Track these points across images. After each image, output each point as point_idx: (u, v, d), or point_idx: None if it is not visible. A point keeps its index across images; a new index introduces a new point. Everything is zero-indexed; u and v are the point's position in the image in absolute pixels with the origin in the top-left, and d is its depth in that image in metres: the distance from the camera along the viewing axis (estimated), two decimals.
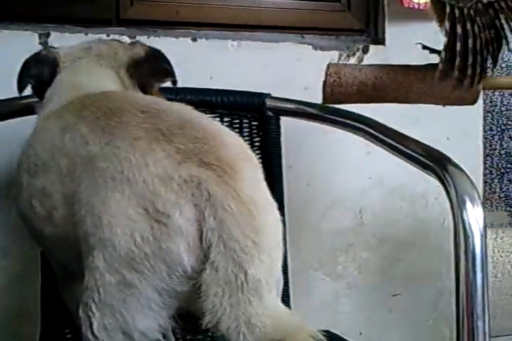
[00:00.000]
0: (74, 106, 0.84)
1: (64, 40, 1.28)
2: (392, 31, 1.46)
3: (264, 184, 0.76)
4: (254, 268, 0.66)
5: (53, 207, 0.77)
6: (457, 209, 0.75)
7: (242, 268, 0.66)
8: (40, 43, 1.27)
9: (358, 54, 1.44)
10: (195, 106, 1.19)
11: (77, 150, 0.76)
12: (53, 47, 1.03)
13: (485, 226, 0.75)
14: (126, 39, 1.31)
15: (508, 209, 1.82)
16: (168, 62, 0.98)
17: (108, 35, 1.30)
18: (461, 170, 0.80)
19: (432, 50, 0.97)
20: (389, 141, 0.92)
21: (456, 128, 1.51)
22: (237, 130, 1.20)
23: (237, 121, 1.21)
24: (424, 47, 0.97)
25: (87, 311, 0.69)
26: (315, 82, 1.35)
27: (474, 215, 0.75)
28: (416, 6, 1.40)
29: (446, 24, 0.87)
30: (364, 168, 1.44)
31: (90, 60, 0.96)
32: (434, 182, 1.46)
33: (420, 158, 0.85)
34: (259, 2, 1.42)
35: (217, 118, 1.20)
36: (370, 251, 1.48)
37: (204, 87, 1.25)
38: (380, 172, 1.45)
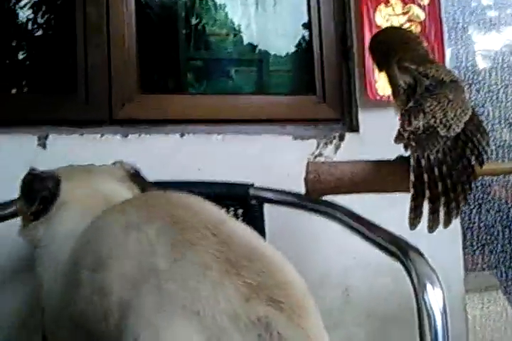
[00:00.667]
0: (139, 202, 0.86)
1: (61, 141, 1.39)
2: (366, 119, 1.57)
3: (319, 318, 0.77)
4: None
5: (108, 308, 0.76)
6: (419, 291, 0.82)
7: None
8: (39, 144, 1.38)
9: (334, 142, 1.55)
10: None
11: (142, 257, 0.76)
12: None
13: (444, 305, 0.82)
14: (118, 138, 1.43)
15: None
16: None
17: (102, 135, 1.41)
18: (422, 256, 0.88)
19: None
20: (360, 229, 1.00)
21: None
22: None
23: (224, 209, 1.28)
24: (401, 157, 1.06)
25: None
26: (296, 169, 1.47)
27: (434, 296, 0.82)
28: (381, 98, 1.53)
29: (412, 176, 0.96)
30: (347, 247, 1.51)
31: (86, 172, 1.03)
32: None
33: (387, 245, 0.93)
34: (240, 99, 1.55)
35: None
36: (359, 327, 1.52)
37: (193, 177, 1.34)
38: (363, 251, 1.52)
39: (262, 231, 1.29)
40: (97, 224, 0.86)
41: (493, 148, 1.85)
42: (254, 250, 0.77)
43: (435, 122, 1.04)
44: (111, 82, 1.46)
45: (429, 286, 0.83)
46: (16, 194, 1.17)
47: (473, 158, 0.99)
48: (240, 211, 1.29)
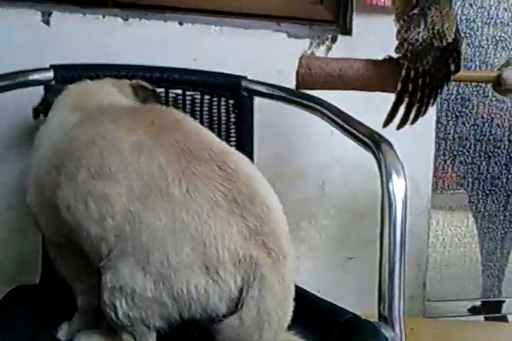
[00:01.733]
0: (145, 123, 0.88)
1: (63, 19, 1.42)
2: (359, 23, 1.62)
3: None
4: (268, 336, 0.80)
5: (110, 215, 0.80)
6: (384, 179, 0.93)
7: (260, 331, 0.80)
8: (43, 21, 1.41)
9: (327, 43, 1.60)
10: (180, 84, 1.36)
11: (154, 179, 0.80)
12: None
13: (405, 194, 0.93)
14: (120, 20, 1.46)
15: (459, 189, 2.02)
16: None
17: (104, 16, 1.45)
18: (392, 149, 0.98)
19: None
20: (340, 121, 1.09)
21: None
22: (215, 106, 1.37)
23: (216, 98, 1.37)
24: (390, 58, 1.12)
25: (113, 300, 0.79)
26: (288, 66, 1.53)
27: (398, 186, 0.93)
28: (378, 3, 1.56)
29: (399, 86, 1.02)
30: (328, 145, 1.61)
31: (90, 82, 1.11)
32: None
33: (362, 137, 1.02)
34: None
35: (199, 96, 1.36)
36: (330, 219, 1.66)
37: (189, 67, 1.40)
38: (342, 150, 1.63)
39: (250, 123, 1.38)
40: (98, 131, 0.88)
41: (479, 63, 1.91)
42: (255, 191, 0.84)
43: (433, 33, 1.09)
44: None
45: (394, 176, 0.93)
46: (17, 67, 1.24)
47: (453, 66, 1.06)
48: (231, 101, 1.37)
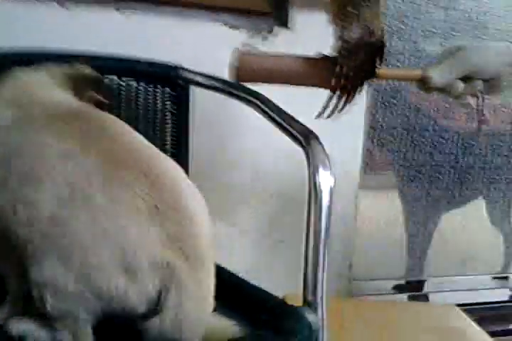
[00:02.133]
0: (73, 128, 0.89)
1: None
2: (296, 15, 1.67)
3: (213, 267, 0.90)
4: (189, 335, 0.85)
5: (37, 220, 0.82)
6: (311, 173, 0.99)
7: (180, 332, 0.84)
8: None
9: (263, 33, 1.64)
10: (120, 72, 1.38)
11: (78, 186, 0.82)
12: None
13: (331, 187, 1.00)
14: (55, 6, 1.46)
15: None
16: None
17: (42, 2, 1.44)
18: (320, 143, 1.04)
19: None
20: (273, 115, 1.14)
21: None
22: (152, 95, 1.39)
23: (152, 87, 1.39)
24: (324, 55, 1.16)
25: (40, 294, 0.81)
26: (223, 56, 1.57)
27: (324, 177, 1.00)
28: None
29: (333, 81, 1.08)
30: (261, 134, 1.67)
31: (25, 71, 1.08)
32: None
33: (292, 132, 1.08)
34: None
35: (134, 84, 1.38)
36: (261, 204, 1.73)
37: (123, 52, 1.41)
38: (274, 140, 1.68)
39: (186, 112, 1.41)
40: (28, 137, 0.89)
41: (408, 56, 2.00)
42: (179, 197, 0.86)
43: (366, 31, 1.14)
44: None
45: (321, 170, 0.99)
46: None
47: (378, 60, 1.12)
48: (167, 89, 1.40)
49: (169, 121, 1.39)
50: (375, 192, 2.13)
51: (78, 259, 0.80)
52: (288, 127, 1.10)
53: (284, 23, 1.66)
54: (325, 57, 1.20)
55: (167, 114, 1.39)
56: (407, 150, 2.08)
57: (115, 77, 1.37)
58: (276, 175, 1.73)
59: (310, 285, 0.97)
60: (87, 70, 1.17)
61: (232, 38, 1.61)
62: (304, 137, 1.06)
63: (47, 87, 1.07)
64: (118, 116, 1.34)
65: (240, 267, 1.61)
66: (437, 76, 1.13)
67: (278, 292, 1.10)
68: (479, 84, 1.13)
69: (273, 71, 1.10)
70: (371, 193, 2.07)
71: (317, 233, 0.98)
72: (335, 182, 1.01)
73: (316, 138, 1.06)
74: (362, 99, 1.82)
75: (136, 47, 1.48)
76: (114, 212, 0.82)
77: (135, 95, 1.38)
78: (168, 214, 0.83)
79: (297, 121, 1.11)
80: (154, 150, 0.95)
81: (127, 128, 0.97)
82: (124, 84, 1.38)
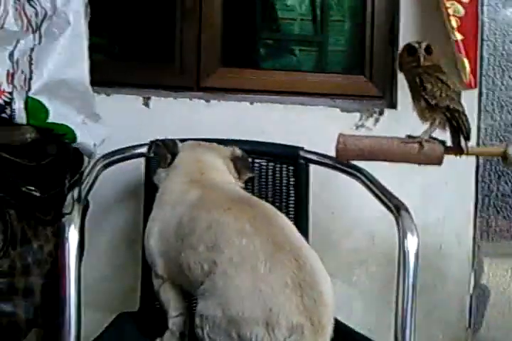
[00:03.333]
0: (247, 214, 1.22)
1: (160, 102, 1.79)
2: (404, 98, 1.89)
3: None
4: None
5: (215, 273, 1.15)
6: (401, 237, 1.20)
7: None
8: (144, 104, 1.78)
9: (375, 115, 1.89)
10: (249, 153, 1.68)
11: (249, 256, 1.14)
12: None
13: (417, 250, 1.19)
14: (203, 102, 1.82)
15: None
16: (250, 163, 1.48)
17: (190, 99, 1.81)
18: (408, 212, 1.25)
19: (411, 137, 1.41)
20: (371, 187, 1.38)
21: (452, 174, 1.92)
22: (278, 173, 1.67)
23: (279, 165, 1.68)
24: (409, 136, 1.40)
25: (200, 324, 1.13)
26: None
27: (412, 242, 1.20)
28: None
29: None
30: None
31: (203, 148, 1.44)
32: (434, 215, 1.91)
33: (386, 201, 1.30)
34: (301, 75, 1.90)
35: (264, 163, 1.68)
36: (379, 266, 1.91)
37: (257, 138, 1.71)
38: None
39: (307, 186, 1.67)
40: (214, 218, 1.22)
41: None
42: (315, 281, 1.15)
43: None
44: (200, 56, 1.84)
45: (409, 235, 1.20)
46: (122, 142, 1.59)
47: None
48: (291, 168, 1.67)
49: (292, 194, 1.66)
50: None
51: (234, 308, 1.10)
52: (384, 199, 1.33)
53: (393, 105, 1.90)
54: (410, 138, 1.41)
55: (291, 187, 1.66)
56: None
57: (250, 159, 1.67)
58: (392, 239, 1.91)
59: (400, 333, 1.15)
60: (238, 151, 1.48)
61: (347, 121, 1.87)
62: (395, 207, 1.27)
63: (219, 170, 1.40)
64: (252, 190, 1.66)
65: (361, 325, 1.81)
66: None
67: None
68: None
69: (368, 151, 1.35)
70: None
71: (405, 294, 1.16)
72: (418, 246, 1.20)
73: (406, 209, 1.27)
74: (471, 169, 1.98)
75: (266, 132, 1.80)
76: (270, 280, 1.13)
77: (265, 172, 1.67)
78: (307, 292, 1.13)
79: (391, 194, 1.33)
80: (302, 240, 1.26)
81: (285, 219, 1.29)
82: (256, 163, 1.68)
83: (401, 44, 1.91)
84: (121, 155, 1.49)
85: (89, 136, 1.46)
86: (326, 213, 1.85)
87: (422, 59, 1.39)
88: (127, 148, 1.53)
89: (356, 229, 1.88)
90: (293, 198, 1.65)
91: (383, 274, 1.91)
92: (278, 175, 1.67)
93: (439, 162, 1.39)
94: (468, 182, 1.96)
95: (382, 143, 1.37)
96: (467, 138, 1.36)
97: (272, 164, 1.68)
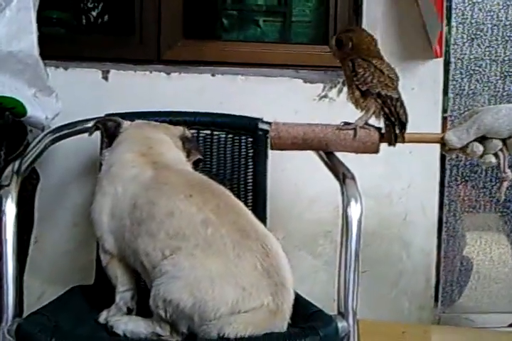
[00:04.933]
0: (210, 203, 1.21)
1: (119, 76, 1.78)
2: None
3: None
4: None
5: (179, 257, 1.14)
6: (345, 205, 1.21)
7: None
8: (103, 77, 1.77)
9: (338, 86, 1.88)
10: (208, 125, 1.67)
11: (216, 243, 1.15)
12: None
13: (360, 218, 1.20)
14: (163, 75, 1.80)
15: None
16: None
17: (151, 72, 1.80)
18: (354, 180, 1.26)
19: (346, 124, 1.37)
20: (323, 156, 1.40)
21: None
22: (237, 144, 1.67)
23: (237, 137, 1.67)
24: (345, 123, 1.37)
25: (164, 306, 1.12)
26: (303, 108, 1.83)
27: (355, 210, 1.21)
28: None
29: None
30: None
31: (151, 126, 1.42)
32: (398, 185, 1.91)
33: (334, 170, 1.32)
34: (264, 46, 1.89)
35: (223, 135, 1.67)
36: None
37: (217, 110, 1.71)
38: None
39: (265, 157, 1.67)
40: (176, 205, 1.21)
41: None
42: (281, 265, 1.18)
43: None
44: (160, 28, 1.82)
45: (352, 202, 1.21)
46: (80, 116, 1.58)
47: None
48: (250, 140, 1.67)
49: (251, 165, 1.66)
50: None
51: (204, 288, 1.10)
52: (330, 165, 1.34)
53: None
54: (345, 124, 1.38)
55: (249, 159, 1.66)
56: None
57: (209, 131, 1.67)
58: None
59: (342, 300, 1.16)
60: (188, 132, 1.47)
61: (310, 92, 1.86)
62: (342, 175, 1.27)
63: (169, 146, 1.38)
64: (211, 162, 1.66)
65: (325, 295, 1.83)
66: (455, 138, 1.29)
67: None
68: (498, 144, 1.27)
69: (302, 139, 1.33)
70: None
71: (348, 257, 1.18)
72: (361, 214, 1.21)
73: (351, 176, 1.27)
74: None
75: (226, 104, 1.79)
76: (240, 264, 1.14)
77: (224, 144, 1.67)
78: (274, 275, 1.15)
79: (339, 161, 1.34)
80: (264, 228, 1.26)
81: (241, 204, 1.29)
82: (215, 135, 1.68)
83: (365, 13, 1.92)
84: (71, 129, 1.48)
85: (40, 110, 1.46)
86: (289, 185, 1.86)
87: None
88: (79, 121, 1.52)
89: (320, 200, 1.89)
90: (251, 170, 1.65)
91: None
92: (237, 147, 1.67)
93: (375, 150, 1.36)
94: (432, 151, 1.96)
95: (316, 130, 1.34)
96: (402, 127, 1.34)
97: (231, 136, 1.68)
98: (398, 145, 1.79)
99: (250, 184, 1.66)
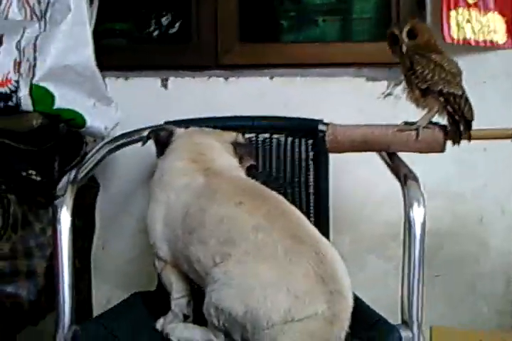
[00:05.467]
0: (261, 210, 1.18)
1: (178, 82, 1.78)
2: None
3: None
4: None
5: (229, 263, 1.13)
6: (407, 208, 1.15)
7: None
8: (162, 85, 1.78)
9: (403, 83, 1.79)
10: (267, 129, 1.64)
11: (267, 248, 1.12)
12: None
13: (424, 220, 1.13)
14: (221, 80, 1.79)
15: None
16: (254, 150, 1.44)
17: (209, 78, 1.79)
18: (416, 181, 1.19)
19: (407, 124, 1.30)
20: (387, 159, 1.35)
21: None
22: (297, 147, 1.63)
23: (297, 140, 1.63)
24: (406, 123, 1.30)
25: (213, 313, 1.11)
26: (368, 107, 1.76)
27: (418, 213, 1.15)
28: (455, 42, 1.73)
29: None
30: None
31: (203, 133, 1.40)
32: (473, 181, 1.80)
33: (397, 171, 1.26)
34: (324, 46, 1.84)
35: (283, 138, 1.64)
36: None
37: (279, 113, 1.67)
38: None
39: (326, 159, 1.61)
40: (226, 212, 1.19)
41: None
42: (337, 272, 1.14)
43: None
44: (217, 33, 1.81)
45: (415, 205, 1.15)
46: (140, 124, 1.58)
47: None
48: (310, 142, 1.62)
49: (311, 168, 1.62)
50: None
51: (255, 297, 1.07)
52: (392, 166, 1.28)
53: None
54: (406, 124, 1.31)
55: (310, 161, 1.62)
56: None
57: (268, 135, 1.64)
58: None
59: (406, 309, 1.10)
60: (241, 137, 1.44)
61: (373, 91, 1.79)
62: (404, 176, 1.21)
63: (220, 153, 1.36)
64: (270, 166, 1.63)
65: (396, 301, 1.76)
66: None
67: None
68: None
69: (361, 141, 1.26)
70: None
71: (411, 261, 1.11)
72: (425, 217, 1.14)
73: (414, 177, 1.20)
74: None
75: (287, 107, 1.76)
76: (291, 270, 1.10)
77: (284, 147, 1.64)
78: (329, 283, 1.11)
79: (401, 162, 1.27)
80: (318, 233, 1.22)
81: (300, 214, 1.26)
82: (274, 139, 1.64)
83: (429, 6, 1.83)
84: (127, 139, 1.49)
85: (99, 120, 1.48)
86: (356, 187, 1.80)
87: (404, 49, 1.28)
88: (135, 131, 1.53)
89: (388, 202, 1.81)
90: (312, 173, 1.61)
91: None
92: (297, 150, 1.63)
93: (441, 149, 1.29)
94: (509, 147, 1.84)
95: (376, 131, 1.28)
96: (469, 125, 1.25)
97: (291, 139, 1.64)
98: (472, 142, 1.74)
99: (312, 187, 1.61)
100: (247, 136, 1.63)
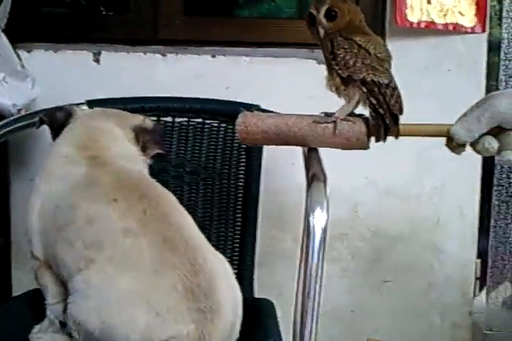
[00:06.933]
0: (137, 205, 1.04)
1: (112, 57, 1.63)
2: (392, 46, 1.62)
3: None
4: None
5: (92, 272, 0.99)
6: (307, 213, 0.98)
7: None
8: (94, 60, 1.62)
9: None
10: (200, 113, 1.48)
11: (132, 256, 0.99)
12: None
13: (325, 227, 0.97)
14: (159, 56, 1.63)
15: None
16: (163, 137, 1.27)
17: (145, 53, 1.63)
18: (324, 183, 1.03)
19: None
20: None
21: None
22: (230, 135, 1.47)
23: (231, 126, 1.47)
24: (325, 114, 1.12)
25: (77, 328, 0.98)
26: (317, 91, 1.59)
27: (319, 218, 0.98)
28: (410, 25, 1.56)
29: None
30: (360, 168, 1.63)
31: (104, 115, 1.24)
32: (429, 184, 1.64)
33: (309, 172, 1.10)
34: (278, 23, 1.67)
35: (216, 124, 1.48)
36: (363, 241, 1.68)
37: (221, 96, 1.50)
38: (375, 174, 1.64)
39: (260, 150, 1.46)
40: (96, 211, 1.04)
41: None
42: (215, 286, 0.99)
43: None
44: (158, 5, 1.65)
45: (318, 209, 0.99)
46: (69, 101, 1.42)
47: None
48: None
49: (243, 159, 1.46)
50: None
51: (111, 312, 0.94)
52: (306, 164, 1.11)
53: None
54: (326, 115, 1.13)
55: (242, 151, 1.46)
56: None
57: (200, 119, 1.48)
58: (380, 212, 1.68)
59: (298, 329, 0.94)
60: (149, 122, 1.27)
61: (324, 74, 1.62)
62: (312, 176, 1.05)
63: (117, 140, 1.20)
64: (199, 154, 1.48)
65: (342, 305, 1.61)
66: (463, 131, 1.02)
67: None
68: None
69: (273, 133, 1.09)
70: None
71: (306, 276, 0.95)
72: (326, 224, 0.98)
73: (322, 179, 1.04)
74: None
75: (229, 89, 1.60)
76: (155, 283, 0.96)
77: (216, 134, 1.48)
78: (200, 298, 0.96)
79: (318, 161, 1.11)
80: (201, 240, 1.07)
81: (184, 216, 1.10)
82: (208, 125, 1.49)
83: None
84: (24, 122, 1.33)
85: (8, 96, 1.35)
86: (299, 181, 1.63)
87: (321, 32, 1.09)
88: (32, 113, 1.37)
89: (335, 200, 1.65)
90: (243, 164, 1.45)
91: (368, 250, 1.69)
92: (229, 138, 1.47)
93: (362, 146, 1.10)
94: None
95: (289, 123, 1.10)
96: (395, 119, 1.07)
97: (224, 125, 1.48)
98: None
99: (242, 180, 1.46)
100: (178, 120, 1.50)
